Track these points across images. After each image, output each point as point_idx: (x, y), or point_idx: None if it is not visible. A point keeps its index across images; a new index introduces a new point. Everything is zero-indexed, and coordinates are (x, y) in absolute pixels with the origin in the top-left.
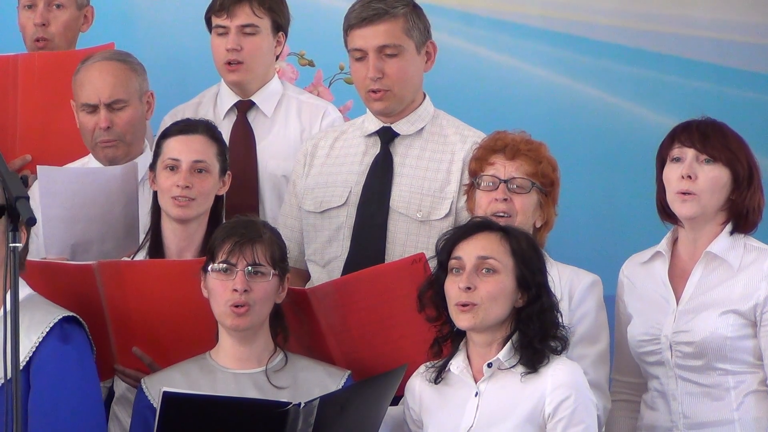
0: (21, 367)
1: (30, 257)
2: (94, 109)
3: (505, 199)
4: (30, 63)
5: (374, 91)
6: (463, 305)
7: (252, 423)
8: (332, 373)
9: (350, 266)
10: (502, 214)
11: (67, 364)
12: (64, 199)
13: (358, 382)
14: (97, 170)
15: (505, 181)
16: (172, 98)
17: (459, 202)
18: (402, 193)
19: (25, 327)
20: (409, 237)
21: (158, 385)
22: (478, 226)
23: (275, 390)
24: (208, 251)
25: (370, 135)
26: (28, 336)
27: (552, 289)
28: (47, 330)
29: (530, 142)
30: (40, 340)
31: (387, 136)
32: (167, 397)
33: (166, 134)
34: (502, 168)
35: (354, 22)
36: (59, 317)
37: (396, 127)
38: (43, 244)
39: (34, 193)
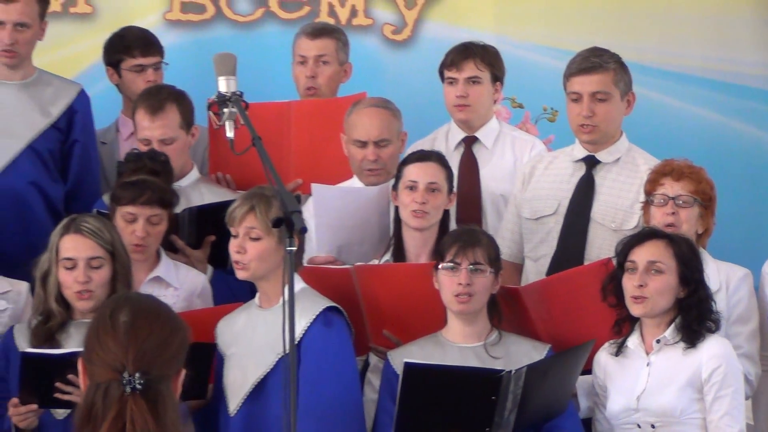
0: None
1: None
2: (363, 144)
3: (673, 213)
4: (301, 108)
5: (584, 125)
6: (636, 297)
7: (474, 386)
8: (537, 346)
9: (556, 263)
10: (671, 225)
11: (329, 343)
12: (333, 210)
13: (557, 353)
14: (359, 189)
15: (673, 198)
16: (410, 135)
17: None
18: (601, 207)
19: (299, 313)
20: (604, 242)
21: (401, 357)
22: (648, 234)
23: (492, 360)
24: (437, 253)
25: (577, 161)
26: (300, 320)
27: (708, 283)
28: (314, 317)
29: (692, 166)
30: (309, 323)
31: (591, 163)
32: (408, 366)
33: (406, 162)
34: (670, 188)
35: (574, 70)
36: (324, 307)
37: (598, 155)
38: (315, 246)
39: (308, 208)
